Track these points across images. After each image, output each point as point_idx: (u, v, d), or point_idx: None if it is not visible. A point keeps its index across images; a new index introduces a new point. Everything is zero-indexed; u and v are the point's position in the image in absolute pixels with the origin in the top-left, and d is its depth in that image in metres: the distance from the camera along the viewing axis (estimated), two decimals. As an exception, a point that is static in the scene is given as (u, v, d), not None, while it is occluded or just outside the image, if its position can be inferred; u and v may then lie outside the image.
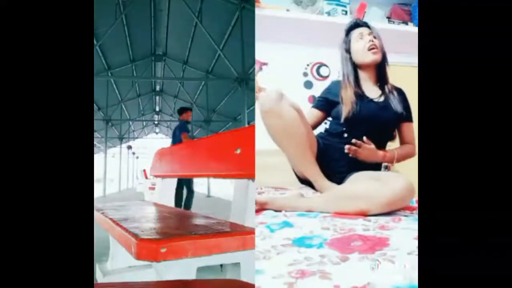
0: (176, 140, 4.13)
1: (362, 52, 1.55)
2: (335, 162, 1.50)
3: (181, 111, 4.40)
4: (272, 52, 2.58)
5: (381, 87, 1.58)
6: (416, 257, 0.78)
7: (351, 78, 1.55)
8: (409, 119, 1.62)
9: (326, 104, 1.61)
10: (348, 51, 1.59)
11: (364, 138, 1.43)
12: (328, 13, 2.57)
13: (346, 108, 1.50)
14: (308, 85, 2.65)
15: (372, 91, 1.57)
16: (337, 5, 2.57)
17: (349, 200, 1.28)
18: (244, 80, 6.14)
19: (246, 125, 5.52)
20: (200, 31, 6.93)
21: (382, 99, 1.56)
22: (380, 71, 1.58)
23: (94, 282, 0.66)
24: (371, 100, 1.54)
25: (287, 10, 2.53)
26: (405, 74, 2.44)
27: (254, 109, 1.48)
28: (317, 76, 2.66)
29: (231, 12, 6.55)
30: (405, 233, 0.99)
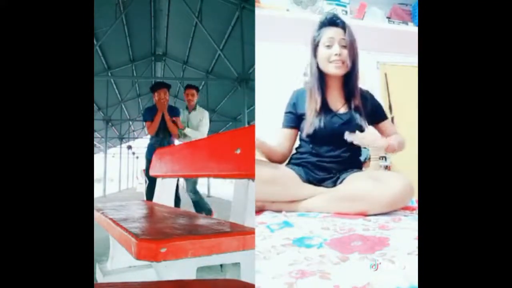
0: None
1: (325, 62, 1.44)
2: (317, 174, 1.46)
3: None
4: (272, 52, 2.58)
5: (346, 98, 1.49)
6: (416, 257, 0.77)
7: (316, 88, 1.45)
8: (384, 117, 1.56)
9: (296, 118, 1.52)
10: (315, 54, 1.47)
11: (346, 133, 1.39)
12: (328, 13, 2.56)
13: (308, 122, 1.44)
14: (308, 85, 2.64)
15: (337, 102, 1.49)
16: (337, 5, 2.56)
17: (348, 200, 1.28)
18: (244, 80, 6.12)
19: (246, 125, 5.51)
20: (200, 31, 6.91)
21: (346, 110, 1.47)
22: (347, 80, 1.48)
23: (94, 282, 0.66)
24: (335, 114, 1.46)
25: (287, 10, 2.53)
26: (405, 74, 2.45)
27: (254, 109, 1.47)
28: (317, 76, 2.66)
29: (231, 12, 6.54)
30: (405, 233, 0.99)
